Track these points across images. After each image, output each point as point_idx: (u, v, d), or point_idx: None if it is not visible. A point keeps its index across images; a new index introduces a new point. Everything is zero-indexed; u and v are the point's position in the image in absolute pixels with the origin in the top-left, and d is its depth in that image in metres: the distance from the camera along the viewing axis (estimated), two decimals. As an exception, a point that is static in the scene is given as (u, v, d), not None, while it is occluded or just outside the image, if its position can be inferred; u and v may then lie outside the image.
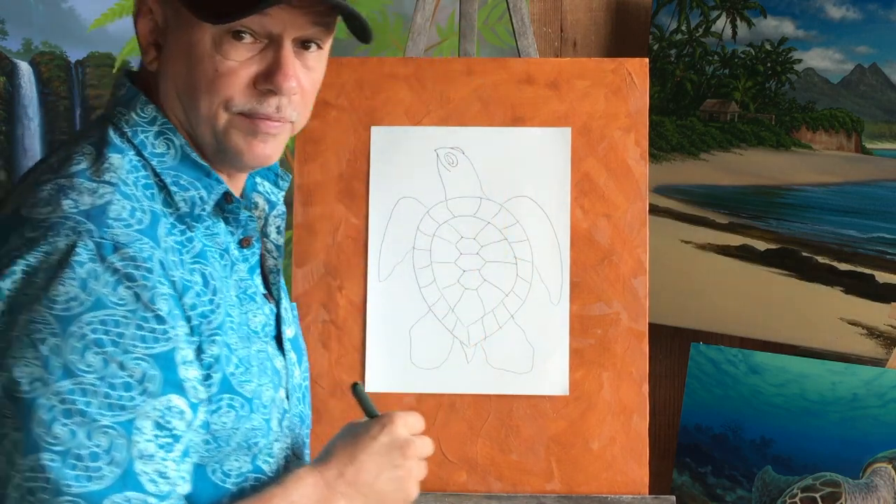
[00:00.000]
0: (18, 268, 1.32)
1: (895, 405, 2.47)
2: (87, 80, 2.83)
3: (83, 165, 1.41)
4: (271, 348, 1.54)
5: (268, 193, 1.59)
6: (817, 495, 2.51)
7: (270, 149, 1.48)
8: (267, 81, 1.43)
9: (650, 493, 2.27)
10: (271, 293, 1.58)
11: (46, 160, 1.46)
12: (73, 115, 2.84)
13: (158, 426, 1.31)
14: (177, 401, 1.33)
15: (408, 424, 1.53)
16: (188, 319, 1.37)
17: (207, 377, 1.39)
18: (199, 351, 1.39)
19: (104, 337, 1.29)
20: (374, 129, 2.32)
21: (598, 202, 2.31)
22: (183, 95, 1.45)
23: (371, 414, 1.55)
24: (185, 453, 1.35)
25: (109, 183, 1.38)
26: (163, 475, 1.32)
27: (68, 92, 2.83)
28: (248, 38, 1.42)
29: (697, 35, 2.74)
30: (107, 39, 2.83)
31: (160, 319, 1.32)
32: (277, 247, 1.59)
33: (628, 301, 2.28)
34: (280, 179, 1.62)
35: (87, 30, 2.82)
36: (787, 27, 2.67)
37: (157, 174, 1.44)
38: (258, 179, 1.60)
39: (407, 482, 1.51)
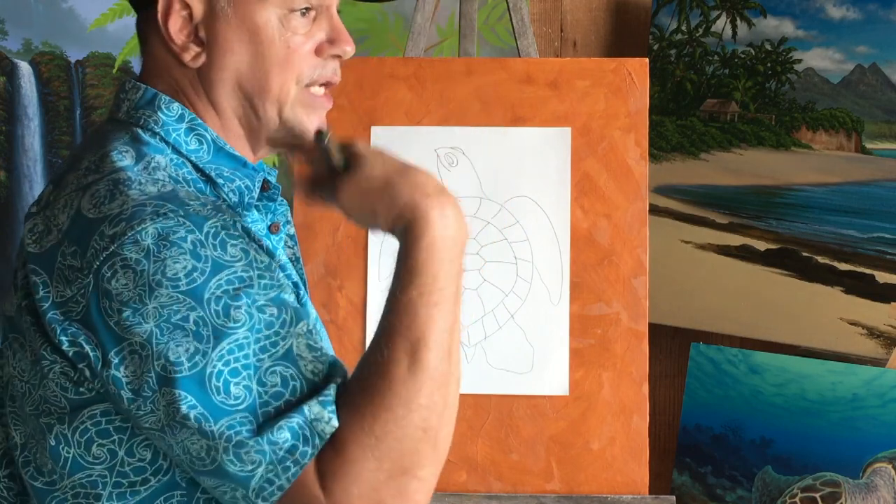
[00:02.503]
0: (116, 265, 1.29)
1: (895, 405, 2.48)
2: (87, 80, 2.83)
3: (127, 162, 1.38)
4: None
5: None
6: (817, 495, 2.51)
7: (321, 121, 1.52)
8: (333, 47, 1.48)
9: (650, 493, 2.27)
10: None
11: (74, 170, 1.42)
12: (73, 115, 2.84)
13: (312, 348, 1.30)
14: (314, 323, 1.33)
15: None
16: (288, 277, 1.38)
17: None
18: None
19: (238, 291, 1.28)
20: (374, 130, 2.32)
21: (598, 202, 2.31)
22: (247, 81, 1.45)
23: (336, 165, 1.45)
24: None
25: (162, 179, 1.37)
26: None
27: (68, 92, 2.83)
28: (307, 12, 1.46)
29: (697, 35, 2.74)
30: (107, 39, 2.83)
31: (271, 268, 1.32)
32: (291, 236, 1.60)
33: (628, 301, 2.28)
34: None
35: (87, 30, 2.82)
36: (787, 27, 2.67)
37: (199, 169, 1.43)
38: None
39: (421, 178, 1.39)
